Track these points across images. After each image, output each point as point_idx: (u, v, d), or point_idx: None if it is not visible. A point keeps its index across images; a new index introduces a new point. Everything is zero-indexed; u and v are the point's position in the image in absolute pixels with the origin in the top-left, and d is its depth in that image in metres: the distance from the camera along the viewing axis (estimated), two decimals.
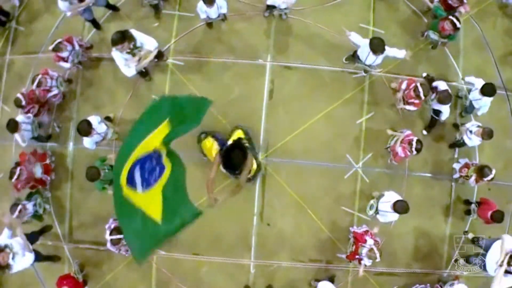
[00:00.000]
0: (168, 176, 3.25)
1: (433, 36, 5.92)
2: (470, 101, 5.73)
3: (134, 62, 5.00)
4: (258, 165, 5.75)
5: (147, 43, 5.00)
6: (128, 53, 4.94)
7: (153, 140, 3.18)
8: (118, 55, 4.95)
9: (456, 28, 5.47)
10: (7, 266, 4.91)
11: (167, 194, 3.16)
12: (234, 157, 3.96)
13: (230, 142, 5.28)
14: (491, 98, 5.47)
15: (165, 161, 3.28)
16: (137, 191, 3.08)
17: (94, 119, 5.37)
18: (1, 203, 5.78)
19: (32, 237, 5.45)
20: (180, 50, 6.20)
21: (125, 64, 4.99)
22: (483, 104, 5.58)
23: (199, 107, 3.41)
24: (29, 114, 5.66)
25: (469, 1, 5.83)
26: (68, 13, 5.50)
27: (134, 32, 4.92)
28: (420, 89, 5.36)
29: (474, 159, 6.05)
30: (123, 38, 4.74)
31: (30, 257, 5.16)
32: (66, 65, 5.80)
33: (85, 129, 5.17)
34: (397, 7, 6.31)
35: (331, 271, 5.97)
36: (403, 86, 5.66)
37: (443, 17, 5.62)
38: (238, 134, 5.62)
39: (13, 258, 4.94)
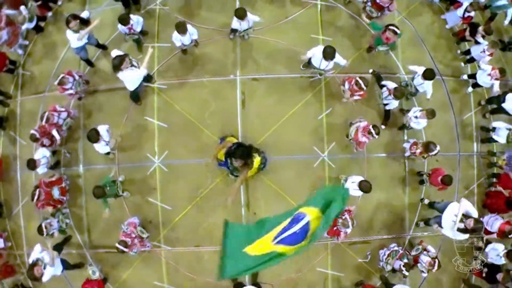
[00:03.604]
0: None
1: (382, 48, 6.84)
2: (415, 87, 6.62)
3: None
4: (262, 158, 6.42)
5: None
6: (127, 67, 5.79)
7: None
8: (124, 74, 5.83)
9: (397, 34, 6.31)
10: (41, 277, 5.79)
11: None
12: (239, 152, 5.24)
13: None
14: (431, 81, 6.33)
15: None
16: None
17: (102, 128, 6.16)
18: (33, 221, 6.82)
19: (57, 248, 6.37)
20: (163, 75, 7.13)
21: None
22: (427, 87, 6.42)
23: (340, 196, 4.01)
24: (46, 150, 6.63)
25: (399, 3, 6.81)
26: (77, 43, 6.32)
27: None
28: (361, 82, 6.24)
29: (421, 138, 6.99)
30: (122, 60, 5.65)
31: (59, 266, 6.11)
32: (70, 91, 6.63)
33: (94, 136, 5.95)
34: (339, 16, 7.28)
35: None
36: (346, 85, 6.53)
37: (382, 30, 6.42)
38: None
39: (44, 269, 5.82)
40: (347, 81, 6.48)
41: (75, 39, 6.22)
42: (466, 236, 5.90)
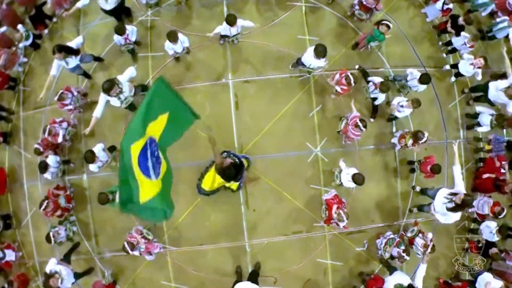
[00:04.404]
0: (165, 171, 4.11)
1: (374, 44, 7.11)
2: (409, 87, 6.83)
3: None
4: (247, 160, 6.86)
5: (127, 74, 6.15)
6: (116, 95, 5.99)
7: (156, 126, 4.00)
8: (104, 98, 5.99)
9: (389, 28, 6.53)
10: None
11: (163, 185, 4.10)
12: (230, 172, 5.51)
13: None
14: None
15: (161, 153, 4.10)
16: (150, 179, 3.96)
17: (96, 148, 6.43)
18: (42, 230, 7.11)
19: (66, 259, 6.65)
20: None
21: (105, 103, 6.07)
22: (421, 89, 6.71)
23: (187, 120, 4.29)
24: (58, 157, 6.94)
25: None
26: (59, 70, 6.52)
27: (119, 77, 6.03)
28: (351, 77, 6.48)
29: (408, 129, 7.23)
30: (112, 84, 5.81)
31: (71, 279, 6.32)
32: (70, 106, 6.95)
33: (90, 157, 6.25)
34: (324, 16, 7.57)
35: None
36: (337, 76, 6.73)
37: (375, 23, 6.69)
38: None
39: (61, 283, 6.04)
40: (339, 73, 6.67)
41: (57, 67, 6.41)
42: (458, 214, 6.01)
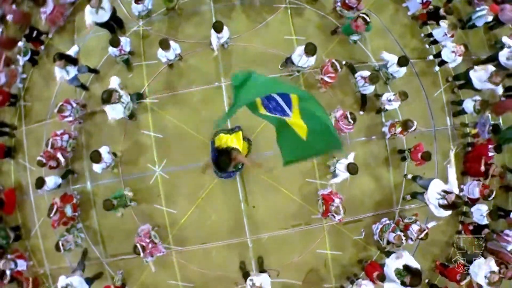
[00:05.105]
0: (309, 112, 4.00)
1: (354, 37, 7.38)
2: (391, 74, 7.10)
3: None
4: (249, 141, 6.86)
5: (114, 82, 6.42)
6: (118, 101, 6.27)
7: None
8: (109, 108, 6.30)
9: (367, 23, 6.78)
10: None
11: (309, 123, 4.09)
12: (221, 162, 5.59)
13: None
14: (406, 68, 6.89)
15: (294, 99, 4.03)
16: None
17: (103, 150, 6.72)
18: (50, 239, 7.42)
19: (80, 266, 6.98)
20: (153, 91, 7.66)
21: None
22: (402, 72, 6.97)
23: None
24: (58, 178, 7.21)
25: None
26: (62, 80, 6.83)
27: (116, 87, 6.33)
28: (337, 64, 6.72)
29: (398, 119, 7.52)
30: (110, 93, 6.09)
31: (84, 284, 6.58)
32: (69, 118, 7.18)
33: (96, 156, 6.52)
34: (308, 16, 7.85)
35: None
36: (325, 61, 6.97)
37: (353, 19, 6.93)
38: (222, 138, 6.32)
39: None
40: (328, 59, 6.94)
41: (60, 76, 6.70)
42: (449, 212, 6.27)
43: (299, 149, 4.37)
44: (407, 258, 6.37)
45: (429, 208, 6.55)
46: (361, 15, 6.75)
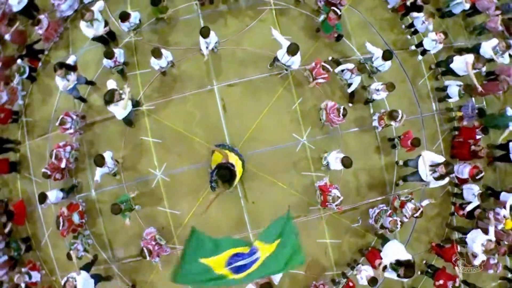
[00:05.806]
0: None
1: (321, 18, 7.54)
2: (376, 68, 7.34)
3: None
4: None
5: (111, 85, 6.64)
6: (119, 100, 6.46)
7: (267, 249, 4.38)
8: (114, 108, 6.49)
9: (338, 16, 7.02)
10: None
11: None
12: (223, 175, 5.88)
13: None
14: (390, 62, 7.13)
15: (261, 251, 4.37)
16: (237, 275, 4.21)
17: (107, 155, 6.96)
18: (60, 247, 7.68)
19: (87, 267, 7.18)
20: (149, 98, 7.93)
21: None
22: (387, 66, 7.21)
23: (292, 258, 4.50)
24: (60, 192, 7.45)
25: None
26: (66, 88, 7.04)
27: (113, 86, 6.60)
28: (327, 65, 6.99)
29: (384, 109, 7.77)
30: (112, 92, 6.33)
31: (91, 283, 6.85)
32: (71, 130, 7.46)
33: (99, 160, 6.72)
34: (293, 16, 8.13)
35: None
36: (315, 69, 7.19)
37: (327, 12, 7.20)
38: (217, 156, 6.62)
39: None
40: (315, 63, 7.17)
41: (63, 84, 6.96)
42: (446, 180, 6.55)
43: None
44: (398, 248, 6.67)
45: (423, 189, 6.87)
46: (333, 8, 6.98)
